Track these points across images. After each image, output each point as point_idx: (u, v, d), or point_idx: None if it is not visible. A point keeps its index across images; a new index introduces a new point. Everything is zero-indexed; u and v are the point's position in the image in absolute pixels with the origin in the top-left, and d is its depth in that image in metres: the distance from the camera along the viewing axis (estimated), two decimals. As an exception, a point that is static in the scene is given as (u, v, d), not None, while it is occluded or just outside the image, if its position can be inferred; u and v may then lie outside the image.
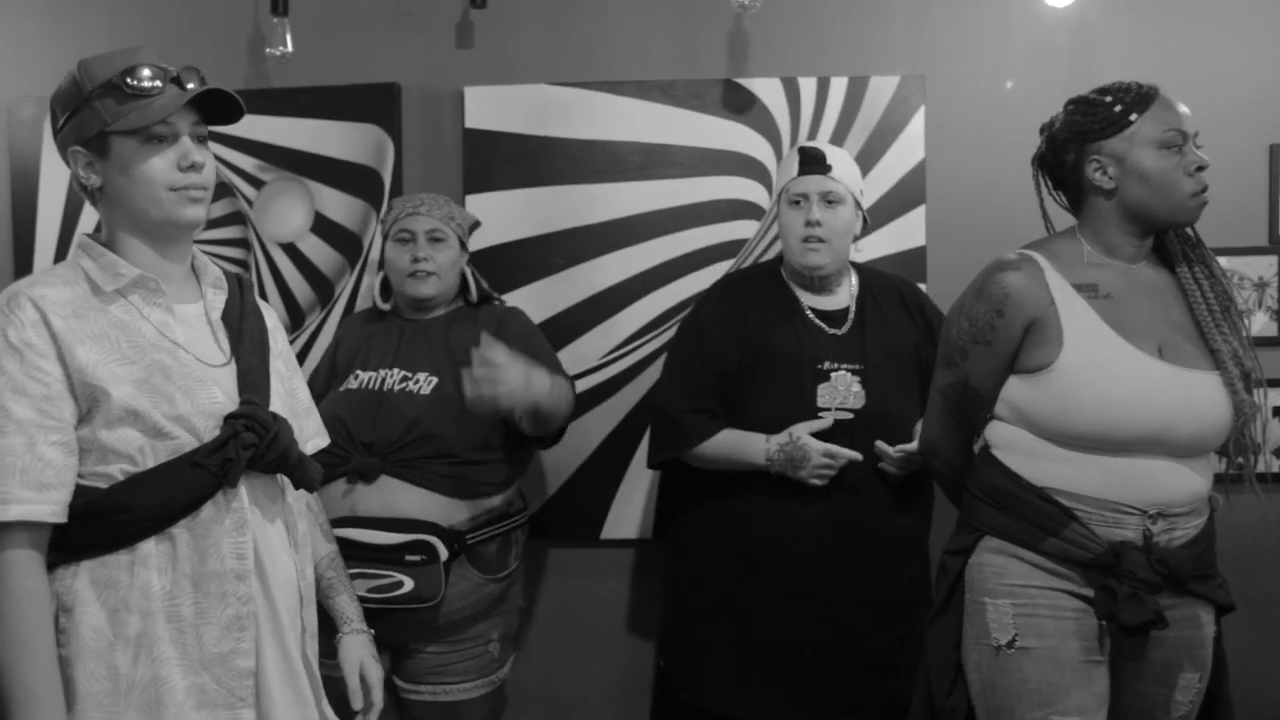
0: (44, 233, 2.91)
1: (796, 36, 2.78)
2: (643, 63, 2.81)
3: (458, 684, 2.38)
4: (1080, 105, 1.97)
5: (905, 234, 2.72)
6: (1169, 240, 1.98)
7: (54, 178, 2.89)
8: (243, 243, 2.88)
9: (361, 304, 2.82)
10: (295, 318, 2.87)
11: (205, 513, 1.57)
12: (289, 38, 2.74)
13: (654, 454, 2.48)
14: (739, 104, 2.76)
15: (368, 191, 2.82)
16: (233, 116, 1.65)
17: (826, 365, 2.32)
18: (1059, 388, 1.89)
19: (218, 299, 1.71)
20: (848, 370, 2.31)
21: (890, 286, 2.45)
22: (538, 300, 2.78)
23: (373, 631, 1.92)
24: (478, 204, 2.80)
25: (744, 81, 2.76)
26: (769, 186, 2.75)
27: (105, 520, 1.53)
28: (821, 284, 2.39)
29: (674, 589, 2.52)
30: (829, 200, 2.33)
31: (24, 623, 1.49)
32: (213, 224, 2.87)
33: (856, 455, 2.24)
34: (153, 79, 1.58)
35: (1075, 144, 1.95)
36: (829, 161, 2.35)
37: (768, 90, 2.76)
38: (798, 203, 2.35)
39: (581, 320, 2.80)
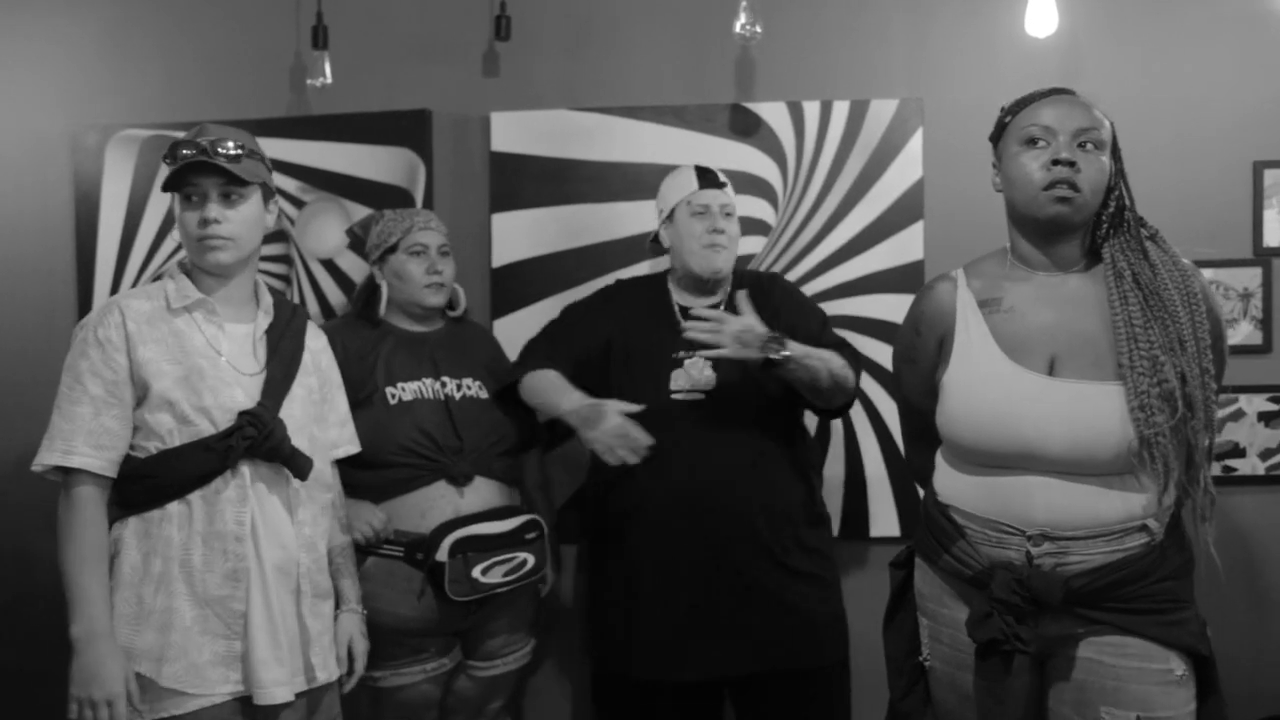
0: (104, 251, 3.08)
1: (800, 62, 2.90)
2: (657, 88, 2.94)
3: (518, 651, 2.62)
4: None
5: (904, 249, 2.84)
6: (1104, 247, 1.89)
7: (113, 202, 3.06)
8: (286, 259, 3.04)
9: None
10: (334, 329, 3.02)
11: (216, 485, 1.98)
12: (328, 68, 2.88)
13: (501, 380, 2.62)
14: (746, 127, 2.89)
15: (401, 211, 2.98)
16: (237, 180, 2.02)
17: (681, 354, 2.47)
18: (943, 403, 1.93)
19: (264, 321, 2.12)
20: (701, 357, 2.41)
21: (750, 279, 2.58)
22: (560, 312, 2.85)
23: (365, 612, 2.24)
24: (504, 222, 2.94)
25: (751, 105, 2.89)
26: (775, 204, 2.89)
27: (141, 484, 1.98)
28: (713, 287, 2.54)
29: (589, 578, 2.71)
30: (726, 212, 2.53)
31: (86, 543, 1.95)
32: (258, 241, 3.06)
33: (649, 441, 2.30)
34: (182, 150, 2.00)
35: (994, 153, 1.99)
36: (722, 180, 2.56)
37: (773, 113, 2.88)
38: (701, 212, 2.51)
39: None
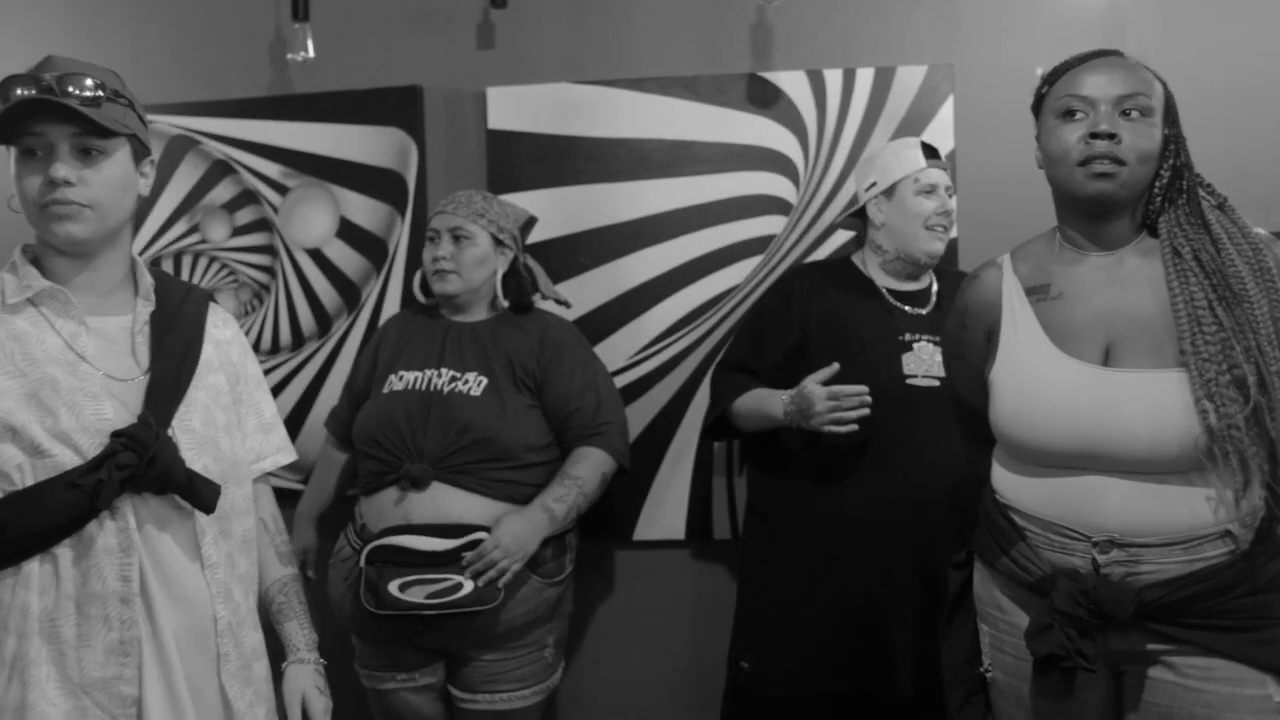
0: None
1: (821, 28, 2.74)
2: (666, 59, 2.79)
3: (516, 691, 2.38)
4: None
5: (936, 226, 2.68)
6: (1160, 222, 1.73)
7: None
8: (269, 249, 2.88)
9: (388, 309, 2.81)
10: (322, 323, 2.86)
11: (90, 532, 1.49)
12: (310, 43, 2.75)
13: (705, 421, 2.58)
14: (764, 98, 2.72)
15: (392, 195, 2.82)
16: (101, 130, 1.55)
17: (908, 337, 2.36)
18: (994, 400, 1.80)
19: (144, 310, 1.64)
20: (930, 341, 2.35)
21: (959, 280, 2.44)
22: (565, 301, 2.77)
23: (325, 663, 1.81)
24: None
25: (768, 75, 2.73)
26: (796, 181, 2.72)
27: None
28: (918, 272, 2.45)
29: (752, 587, 2.50)
30: (950, 193, 2.43)
31: None
32: (240, 231, 2.88)
33: (861, 388, 2.21)
34: (19, 89, 1.50)
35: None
36: (942, 159, 2.46)
37: (793, 83, 2.72)
38: (930, 191, 2.40)
39: (609, 320, 2.78)
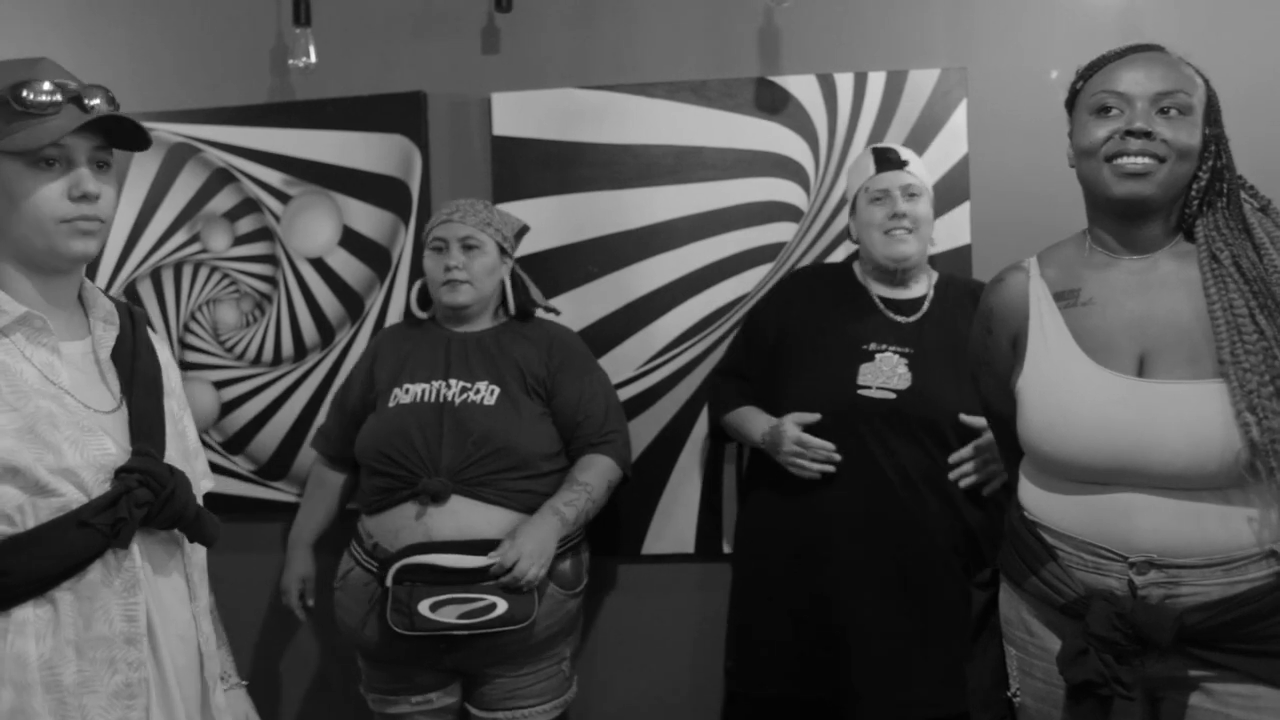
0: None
1: (831, 31, 2.69)
2: (673, 63, 2.74)
3: (536, 706, 2.35)
4: None
5: (950, 232, 2.62)
6: (1197, 225, 1.67)
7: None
8: (271, 259, 2.83)
9: (392, 319, 2.77)
10: (325, 334, 2.82)
11: (92, 573, 1.41)
12: (312, 48, 2.71)
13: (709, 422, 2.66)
14: (773, 103, 2.67)
15: (396, 203, 2.77)
16: (142, 143, 1.51)
17: (873, 346, 2.34)
18: (1021, 412, 1.74)
19: (108, 335, 1.55)
20: (895, 352, 2.34)
21: (967, 289, 2.45)
22: (572, 310, 2.72)
23: (246, 684, 1.77)
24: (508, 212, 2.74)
25: (778, 79, 2.68)
26: (807, 187, 2.67)
27: None
28: (900, 276, 2.42)
29: (735, 588, 2.55)
30: (910, 194, 2.38)
31: None
32: (241, 240, 2.84)
33: (828, 445, 2.29)
34: (49, 96, 1.42)
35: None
36: (904, 158, 2.42)
37: (803, 88, 2.67)
38: (879, 199, 2.38)
39: (618, 329, 2.73)
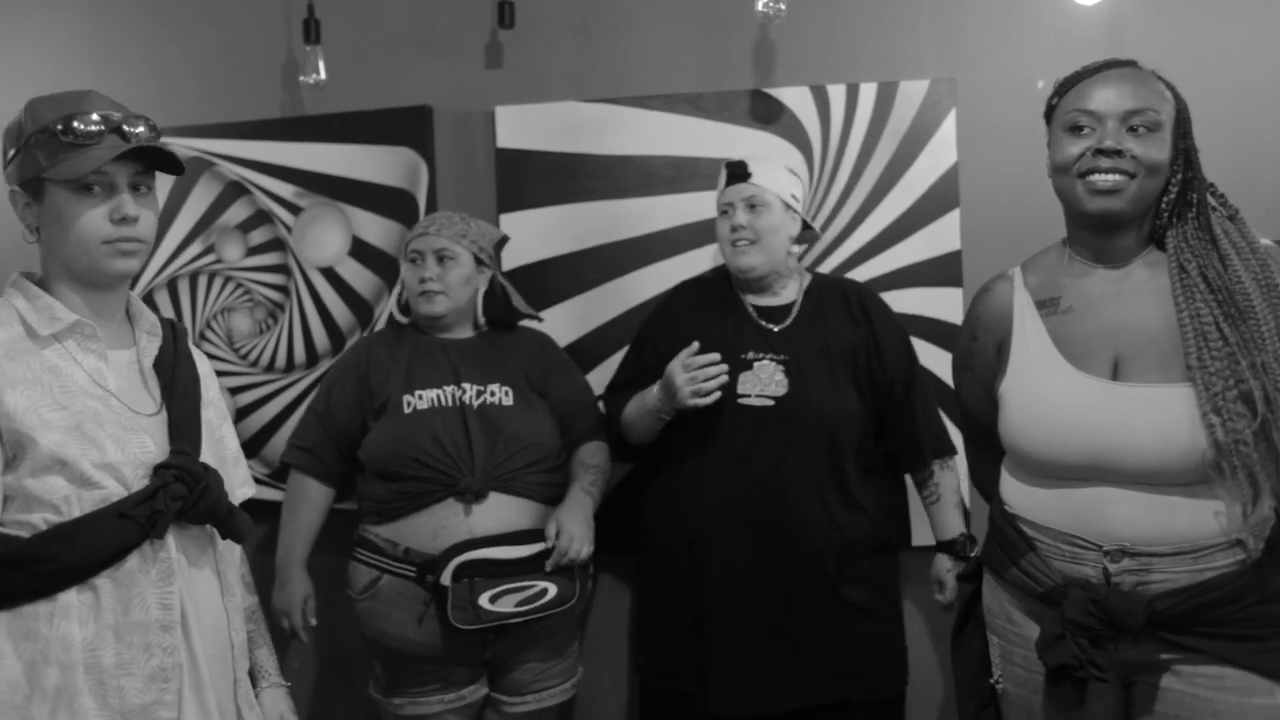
0: None
1: (824, 43, 2.75)
2: (670, 76, 2.80)
3: (558, 686, 2.48)
4: None
5: (939, 239, 2.68)
6: (1167, 237, 1.75)
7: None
8: (283, 269, 2.91)
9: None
10: (336, 341, 2.90)
11: (131, 562, 1.53)
12: (321, 65, 2.78)
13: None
14: (768, 114, 2.74)
15: (403, 214, 2.84)
16: (177, 168, 1.63)
17: (750, 355, 2.38)
18: (1003, 413, 1.81)
19: (151, 346, 1.69)
20: (772, 360, 2.37)
21: (837, 288, 2.51)
22: (573, 317, 2.79)
23: (290, 685, 1.88)
24: (511, 222, 2.81)
25: (772, 91, 2.74)
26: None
27: (26, 570, 1.49)
28: (760, 284, 2.47)
29: (640, 585, 2.65)
30: (752, 205, 2.41)
31: None
32: (254, 251, 2.92)
33: (714, 355, 2.27)
34: (94, 127, 1.55)
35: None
36: (750, 170, 2.44)
37: (796, 99, 2.73)
38: (725, 212, 2.44)
39: (618, 336, 2.78)
